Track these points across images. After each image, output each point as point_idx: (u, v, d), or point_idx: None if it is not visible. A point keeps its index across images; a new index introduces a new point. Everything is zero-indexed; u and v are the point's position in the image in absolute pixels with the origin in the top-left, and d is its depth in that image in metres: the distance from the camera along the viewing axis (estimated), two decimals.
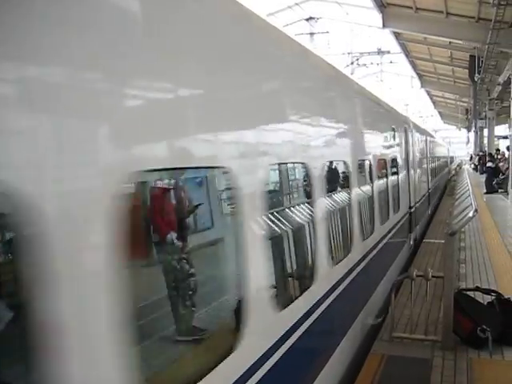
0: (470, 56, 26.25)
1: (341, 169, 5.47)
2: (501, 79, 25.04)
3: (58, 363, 1.58)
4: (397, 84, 47.75)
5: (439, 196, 22.85)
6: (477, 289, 6.76)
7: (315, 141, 4.50)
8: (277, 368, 3.12)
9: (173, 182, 2.75)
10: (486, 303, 6.30)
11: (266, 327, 3.13)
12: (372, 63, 34.17)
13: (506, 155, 24.63)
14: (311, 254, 4.24)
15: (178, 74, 2.40)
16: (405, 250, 10.10)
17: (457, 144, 79.30)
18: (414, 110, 52.21)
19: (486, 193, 22.96)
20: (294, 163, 4.21)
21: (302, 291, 3.95)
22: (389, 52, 33.15)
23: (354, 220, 5.61)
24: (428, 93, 50.04)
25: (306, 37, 25.84)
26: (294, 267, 4.18)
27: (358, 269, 5.51)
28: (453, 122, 65.91)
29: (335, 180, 5.44)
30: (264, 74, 3.49)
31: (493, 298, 6.31)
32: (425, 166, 15.82)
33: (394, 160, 9.02)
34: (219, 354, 2.59)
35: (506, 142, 26.16)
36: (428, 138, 17.98)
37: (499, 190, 23.19)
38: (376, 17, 23.71)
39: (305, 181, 4.34)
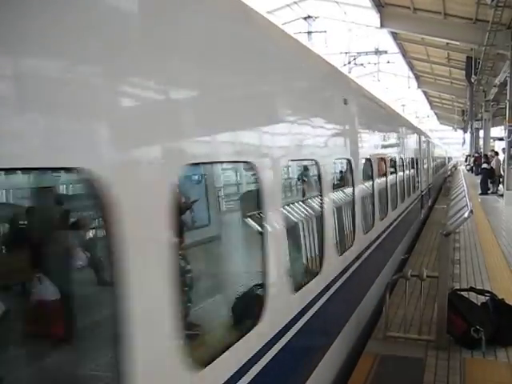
0: (467, 57, 26.31)
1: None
2: (497, 81, 25.12)
3: None
4: (394, 84, 47.79)
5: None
6: (471, 289, 6.76)
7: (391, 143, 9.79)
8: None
9: None
10: (479, 303, 6.31)
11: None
12: (369, 63, 34.10)
13: (500, 157, 24.76)
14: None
15: None
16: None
17: (453, 145, 79.49)
18: (410, 111, 52.23)
19: (481, 194, 23.09)
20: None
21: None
22: (386, 52, 33.15)
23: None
24: (425, 93, 50.11)
25: (303, 35, 25.77)
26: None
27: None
28: (449, 122, 66.08)
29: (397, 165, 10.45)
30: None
31: (486, 298, 6.32)
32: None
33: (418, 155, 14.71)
34: None
35: (502, 144, 26.18)
36: (433, 142, 23.97)
37: (489, 192, 23.46)
38: (374, 16, 23.75)
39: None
